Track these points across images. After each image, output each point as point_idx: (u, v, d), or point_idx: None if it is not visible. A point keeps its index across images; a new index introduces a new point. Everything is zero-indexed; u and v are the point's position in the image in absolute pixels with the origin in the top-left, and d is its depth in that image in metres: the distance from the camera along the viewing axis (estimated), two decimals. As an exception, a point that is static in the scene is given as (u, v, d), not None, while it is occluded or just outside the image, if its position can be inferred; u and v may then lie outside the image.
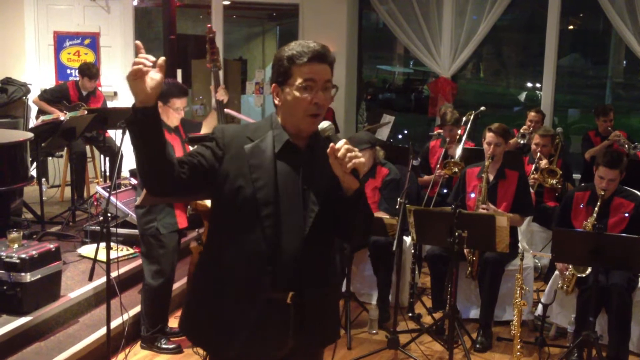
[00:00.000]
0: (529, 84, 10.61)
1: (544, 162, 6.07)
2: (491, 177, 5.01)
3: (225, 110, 4.47)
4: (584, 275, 4.45)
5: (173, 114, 4.35)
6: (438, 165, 6.22)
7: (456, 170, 5.83)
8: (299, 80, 2.17)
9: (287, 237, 2.19)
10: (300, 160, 2.25)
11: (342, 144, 2.11)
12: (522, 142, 6.67)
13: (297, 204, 2.21)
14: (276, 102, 2.26)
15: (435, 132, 6.89)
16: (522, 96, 10.72)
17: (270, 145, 2.23)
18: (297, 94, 2.18)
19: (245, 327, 2.22)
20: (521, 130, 6.80)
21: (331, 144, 2.12)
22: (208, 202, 4.24)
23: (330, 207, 2.20)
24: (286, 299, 2.21)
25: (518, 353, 4.46)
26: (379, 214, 4.95)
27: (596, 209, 4.55)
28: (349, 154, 2.10)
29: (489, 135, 5.00)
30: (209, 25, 4.46)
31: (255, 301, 2.20)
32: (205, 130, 4.53)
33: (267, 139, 2.24)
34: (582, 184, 5.07)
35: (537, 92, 9.20)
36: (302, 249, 2.20)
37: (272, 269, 2.18)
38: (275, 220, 2.18)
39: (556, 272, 4.80)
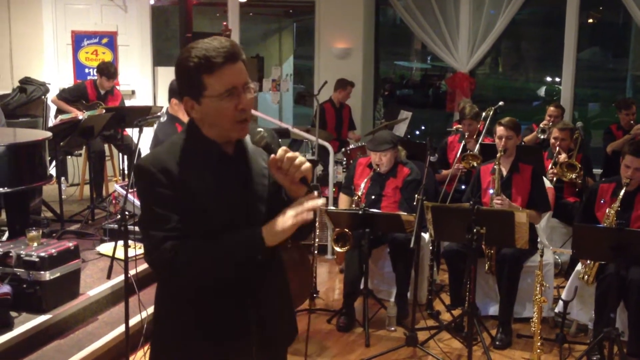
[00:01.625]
0: (548, 79, 10.52)
1: (563, 157, 6.00)
2: (505, 171, 4.99)
3: None
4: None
5: (189, 112, 4.35)
6: (456, 159, 6.18)
7: (474, 164, 5.80)
8: (217, 90, 1.94)
9: None
10: (234, 167, 2.07)
11: (282, 154, 1.93)
12: (542, 137, 6.60)
13: (240, 215, 2.04)
14: (194, 115, 2.02)
15: (454, 128, 6.85)
16: (542, 91, 10.64)
17: (202, 163, 2.01)
18: (219, 104, 1.95)
19: (209, 341, 2.11)
20: (541, 125, 6.74)
21: (271, 156, 1.95)
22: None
23: (274, 212, 2.02)
24: (243, 307, 2.10)
25: (538, 350, 4.42)
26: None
27: (620, 196, 4.48)
28: (294, 163, 1.93)
29: (500, 129, 5.01)
30: (224, 23, 4.46)
31: (219, 313, 2.09)
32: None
33: (197, 157, 2.02)
34: (609, 177, 4.99)
35: (557, 86, 9.11)
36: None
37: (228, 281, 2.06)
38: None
39: (577, 268, 4.75)
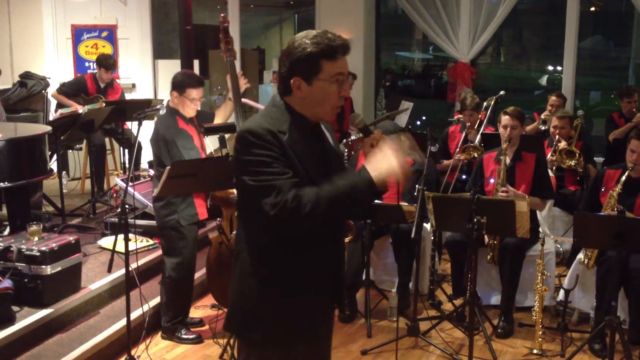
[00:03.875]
0: (550, 67, 10.49)
1: (562, 144, 5.98)
2: (508, 160, 4.96)
3: (243, 100, 4.42)
4: None
5: (189, 105, 4.35)
6: (457, 150, 6.16)
7: (475, 155, 5.78)
8: (329, 74, 2.21)
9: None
10: (319, 142, 2.34)
11: (378, 135, 2.27)
12: (542, 128, 6.56)
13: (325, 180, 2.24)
14: (299, 94, 2.24)
15: (455, 118, 6.82)
16: (544, 80, 10.61)
17: (299, 134, 2.23)
18: (327, 87, 2.22)
19: (312, 325, 2.36)
20: (542, 116, 6.70)
21: (376, 132, 2.28)
22: (227, 192, 4.24)
23: None
24: (337, 272, 2.39)
25: (540, 339, 4.43)
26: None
27: (623, 179, 4.48)
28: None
29: (505, 119, 4.96)
30: (222, 15, 4.42)
31: (321, 300, 2.35)
32: (218, 120, 4.51)
33: (294, 128, 2.23)
34: (615, 164, 4.97)
35: (559, 75, 9.07)
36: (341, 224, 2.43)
37: (326, 251, 2.32)
38: None
39: (578, 257, 4.74)
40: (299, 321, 2.31)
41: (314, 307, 2.34)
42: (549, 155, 5.94)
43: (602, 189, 4.68)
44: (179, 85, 4.34)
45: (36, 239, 4.37)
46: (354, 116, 2.37)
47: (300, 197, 2.11)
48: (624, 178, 4.49)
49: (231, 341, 4.05)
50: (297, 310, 2.30)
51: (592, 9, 9.66)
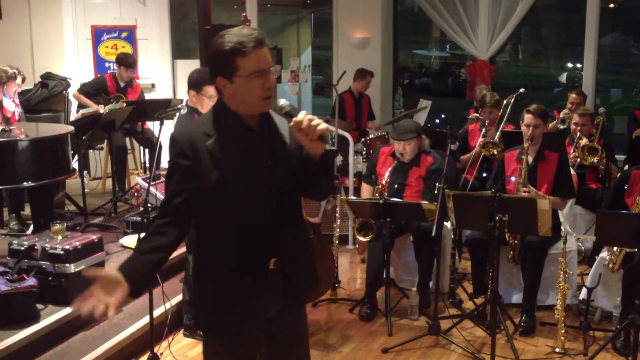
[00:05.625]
0: (570, 65, 10.41)
1: (584, 141, 5.93)
2: (530, 159, 4.92)
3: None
4: (635, 250, 4.32)
5: (207, 102, 4.36)
6: (477, 146, 6.11)
7: (495, 152, 5.74)
8: (248, 70, 2.24)
9: (262, 211, 2.33)
10: (258, 138, 2.36)
11: (303, 116, 2.22)
12: (561, 127, 6.51)
13: (265, 180, 2.33)
14: (225, 92, 2.31)
15: (472, 115, 6.78)
16: (563, 77, 10.53)
17: (229, 133, 2.31)
18: (250, 82, 2.25)
19: (238, 299, 2.37)
20: (561, 115, 6.65)
21: (294, 119, 2.23)
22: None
23: (296, 176, 2.35)
24: (269, 265, 2.35)
25: (562, 337, 4.40)
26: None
27: None
28: (312, 123, 2.21)
29: (528, 117, 4.91)
30: (243, 14, 4.45)
31: (245, 273, 2.35)
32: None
33: (223, 128, 2.32)
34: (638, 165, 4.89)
35: (578, 72, 9.01)
36: (276, 218, 2.35)
37: (254, 242, 2.33)
38: (250, 199, 2.31)
39: (600, 255, 4.71)
40: (226, 296, 2.40)
41: (238, 279, 2.38)
42: (571, 152, 5.89)
43: (625, 188, 4.63)
44: (196, 83, 4.36)
45: (60, 237, 4.41)
46: (275, 105, 2.40)
47: (152, 225, 2.36)
48: None
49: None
50: (222, 286, 2.40)
51: (612, 5, 9.56)
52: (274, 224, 2.35)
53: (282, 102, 2.39)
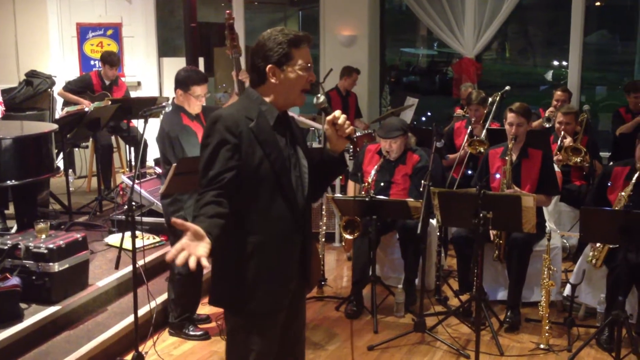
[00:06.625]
0: (556, 62, 10.46)
1: (568, 140, 5.95)
2: (514, 157, 4.93)
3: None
4: (617, 246, 4.34)
5: (194, 102, 4.36)
6: (463, 144, 6.13)
7: (481, 149, 5.76)
8: (300, 62, 2.51)
9: (298, 197, 2.57)
10: (286, 129, 2.60)
11: (339, 114, 2.52)
12: (547, 125, 6.53)
13: (291, 168, 2.57)
14: (273, 81, 2.51)
15: (457, 113, 6.79)
16: (549, 75, 10.58)
17: (266, 120, 2.53)
18: (300, 73, 2.52)
19: (274, 272, 2.55)
20: (546, 114, 6.67)
21: (333, 113, 2.53)
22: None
23: (312, 167, 2.63)
24: (297, 243, 2.61)
25: (547, 334, 4.43)
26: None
27: (633, 180, 4.42)
28: (345, 122, 2.52)
29: (511, 116, 4.92)
30: (228, 12, 4.42)
31: (289, 257, 2.58)
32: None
33: (262, 115, 2.52)
34: (622, 160, 4.90)
35: (564, 70, 9.05)
36: (306, 205, 2.62)
37: (289, 219, 2.54)
38: (289, 178, 2.54)
39: (584, 252, 4.73)
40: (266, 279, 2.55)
41: (280, 263, 2.57)
42: (555, 153, 5.92)
43: (608, 184, 4.66)
44: (183, 82, 4.35)
45: (43, 236, 4.38)
46: (318, 98, 2.64)
47: (204, 196, 2.40)
48: (635, 178, 4.43)
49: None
50: (263, 269, 2.55)
51: (597, 3, 9.62)
52: (304, 204, 2.58)
53: (322, 98, 2.63)
